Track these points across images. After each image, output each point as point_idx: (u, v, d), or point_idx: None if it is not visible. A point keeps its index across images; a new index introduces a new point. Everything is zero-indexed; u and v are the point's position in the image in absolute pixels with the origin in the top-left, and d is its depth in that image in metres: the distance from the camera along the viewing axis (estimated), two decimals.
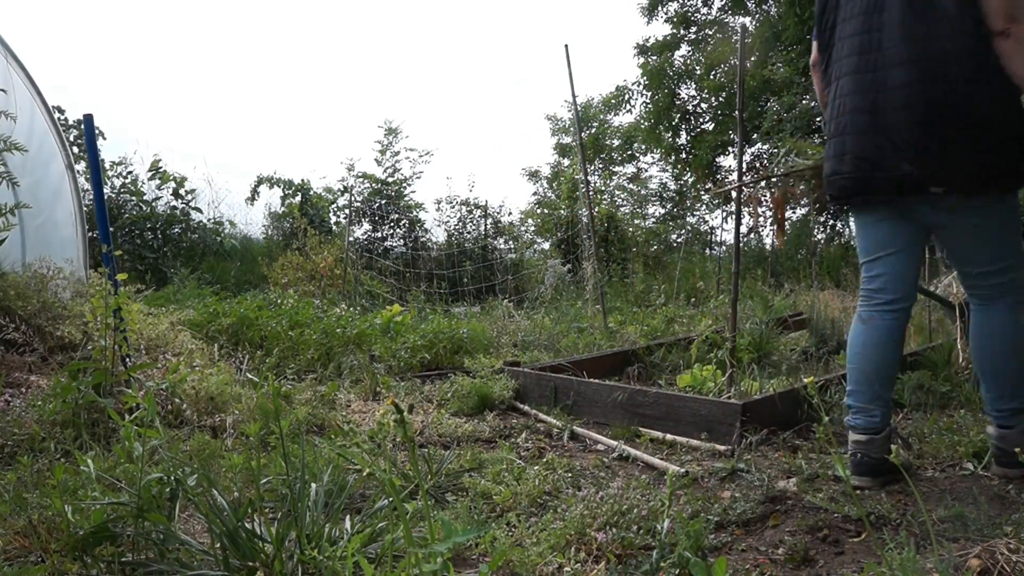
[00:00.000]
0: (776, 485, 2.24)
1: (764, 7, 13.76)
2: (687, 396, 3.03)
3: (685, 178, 16.14)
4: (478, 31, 38.91)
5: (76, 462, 2.00)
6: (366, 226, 11.52)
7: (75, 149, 8.20)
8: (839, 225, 13.43)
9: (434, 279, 9.94)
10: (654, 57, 14.55)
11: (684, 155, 15.36)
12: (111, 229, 3.43)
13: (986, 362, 2.27)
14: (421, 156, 11.94)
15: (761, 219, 13.56)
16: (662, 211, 16.28)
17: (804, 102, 10.68)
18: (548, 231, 12.25)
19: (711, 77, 14.18)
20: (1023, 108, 2.04)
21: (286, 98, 30.39)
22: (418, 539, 1.42)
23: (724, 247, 12.33)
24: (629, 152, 17.85)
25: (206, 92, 27.40)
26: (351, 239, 10.34)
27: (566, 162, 17.74)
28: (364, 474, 2.14)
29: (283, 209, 11.40)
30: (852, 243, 11.94)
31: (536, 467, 2.44)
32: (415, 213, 11.87)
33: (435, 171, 23.80)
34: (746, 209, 13.40)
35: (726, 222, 13.33)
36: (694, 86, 14.75)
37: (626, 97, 15.85)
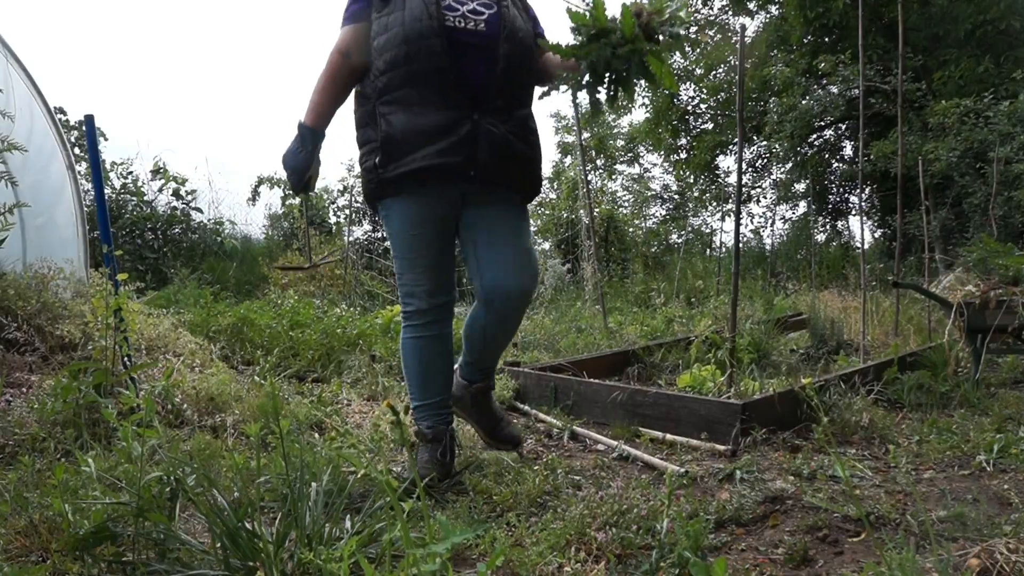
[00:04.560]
0: (776, 485, 2.24)
1: (767, 9, 13.76)
2: (687, 396, 3.02)
3: (685, 176, 16.14)
4: None
5: (77, 462, 2.00)
6: (366, 226, 11.52)
7: (76, 150, 8.19)
8: (839, 225, 13.44)
9: None
10: None
11: (684, 155, 15.36)
12: (112, 229, 3.43)
13: None
14: None
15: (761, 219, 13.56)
16: (663, 212, 16.29)
17: (804, 103, 10.66)
18: (548, 231, 12.26)
19: (711, 78, 14.18)
20: None
21: (286, 99, 30.41)
22: (417, 539, 1.42)
23: (724, 248, 12.34)
24: (632, 153, 17.86)
25: (207, 93, 27.41)
26: (351, 239, 10.34)
27: (568, 160, 17.73)
28: (359, 474, 2.14)
29: (283, 209, 11.39)
30: (852, 243, 11.94)
31: (536, 467, 2.44)
32: None
33: None
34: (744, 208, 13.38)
35: (724, 220, 13.33)
36: (693, 87, 14.75)
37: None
